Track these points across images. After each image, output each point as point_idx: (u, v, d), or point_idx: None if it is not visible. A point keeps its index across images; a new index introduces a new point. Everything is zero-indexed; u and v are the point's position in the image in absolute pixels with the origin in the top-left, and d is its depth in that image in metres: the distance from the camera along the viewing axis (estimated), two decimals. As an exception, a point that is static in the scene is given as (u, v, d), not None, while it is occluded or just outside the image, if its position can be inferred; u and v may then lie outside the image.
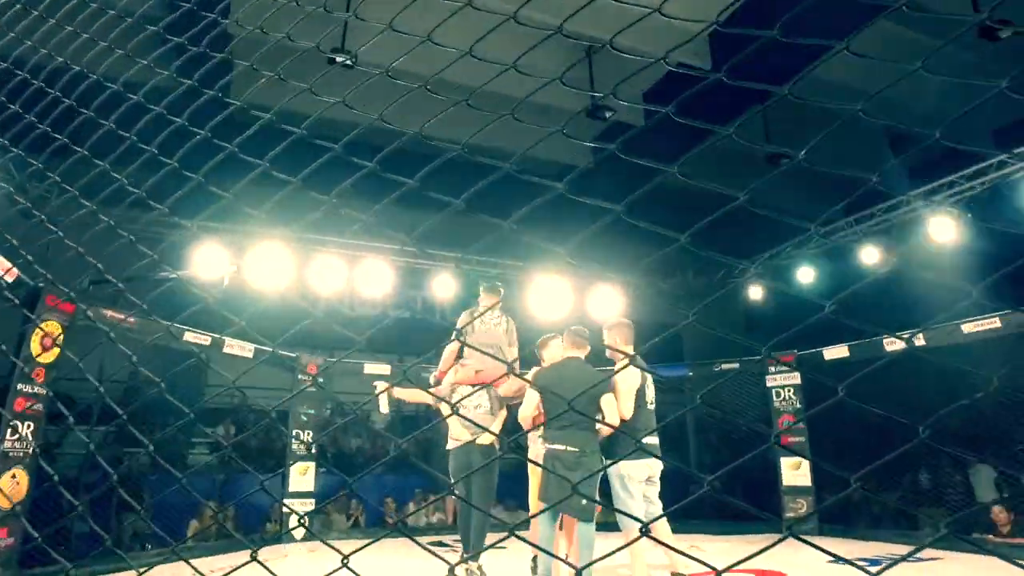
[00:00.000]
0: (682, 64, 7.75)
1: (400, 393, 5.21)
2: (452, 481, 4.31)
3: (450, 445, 4.50)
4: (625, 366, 3.83)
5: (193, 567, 1.46)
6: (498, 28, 1.47)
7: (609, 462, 3.86)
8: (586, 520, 3.69)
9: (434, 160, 1.51)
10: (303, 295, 8.97)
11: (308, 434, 7.40)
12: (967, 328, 6.09)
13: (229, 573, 1.21)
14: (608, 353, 4.29)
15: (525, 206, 1.35)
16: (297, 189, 1.69)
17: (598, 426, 3.81)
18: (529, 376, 4.19)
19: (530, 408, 4.04)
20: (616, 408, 3.89)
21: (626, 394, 3.99)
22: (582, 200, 1.26)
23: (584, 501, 3.57)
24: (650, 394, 4.19)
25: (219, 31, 2.07)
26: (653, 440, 4.12)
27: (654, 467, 4.08)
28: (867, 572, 0.84)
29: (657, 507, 4.13)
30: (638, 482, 3.96)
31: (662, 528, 3.92)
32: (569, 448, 3.68)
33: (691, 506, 8.23)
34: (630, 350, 4.22)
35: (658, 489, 4.18)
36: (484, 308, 4.79)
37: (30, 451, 4.41)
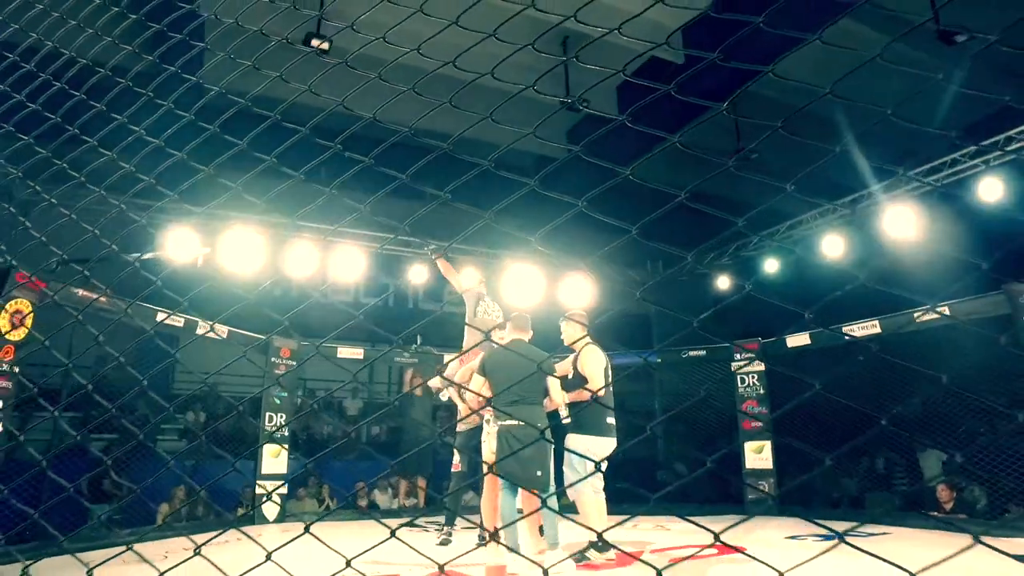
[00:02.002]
0: (656, 59, 7.79)
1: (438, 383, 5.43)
2: (456, 456, 4.78)
3: (460, 427, 4.87)
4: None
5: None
6: (475, 19, 1.47)
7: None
8: (543, 489, 3.72)
9: (407, 146, 1.51)
10: (277, 280, 8.84)
11: (281, 416, 7.35)
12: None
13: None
14: (567, 343, 4.56)
15: (498, 192, 1.35)
16: (269, 174, 1.67)
17: (548, 398, 4.02)
18: (476, 362, 4.31)
19: (475, 388, 4.12)
20: (559, 385, 4.13)
21: (595, 373, 4.26)
22: (551, 195, 1.27)
23: (539, 472, 3.66)
24: (609, 375, 4.45)
25: (189, 11, 2.01)
26: (612, 419, 4.34)
27: (611, 446, 4.28)
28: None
29: (601, 483, 4.32)
30: (599, 458, 4.03)
31: (600, 505, 4.13)
32: (520, 422, 3.74)
33: (659, 489, 8.44)
34: (587, 337, 4.48)
35: (606, 466, 4.31)
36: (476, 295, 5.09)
37: (0, 429, 4.40)
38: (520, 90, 1.34)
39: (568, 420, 4.31)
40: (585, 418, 4.19)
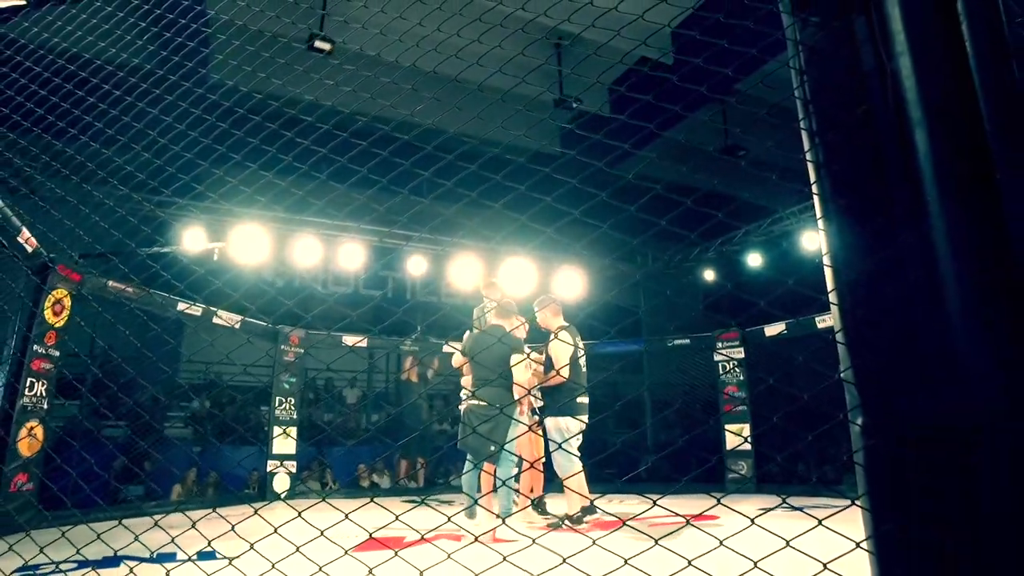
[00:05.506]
0: (645, 59, 7.77)
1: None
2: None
3: None
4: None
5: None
6: (472, 20, 1.47)
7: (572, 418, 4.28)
8: (495, 462, 3.89)
9: (406, 142, 1.51)
10: (282, 272, 8.85)
11: (290, 400, 7.40)
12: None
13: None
14: (542, 327, 4.67)
15: (496, 189, 1.36)
16: (276, 170, 1.67)
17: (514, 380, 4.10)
18: (459, 345, 4.55)
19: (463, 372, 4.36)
20: (522, 367, 4.20)
21: (562, 358, 4.41)
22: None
23: (492, 447, 3.77)
24: (582, 358, 4.57)
25: (198, 11, 2.01)
26: (584, 399, 4.46)
27: (583, 424, 4.44)
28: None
29: (578, 454, 4.45)
30: (572, 435, 4.34)
31: (580, 476, 4.26)
32: (482, 403, 3.90)
33: (646, 471, 8.52)
34: (560, 321, 4.68)
35: (580, 442, 4.52)
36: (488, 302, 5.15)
37: (45, 407, 4.63)
38: (515, 84, 1.35)
39: (541, 404, 4.51)
40: (558, 400, 4.38)
